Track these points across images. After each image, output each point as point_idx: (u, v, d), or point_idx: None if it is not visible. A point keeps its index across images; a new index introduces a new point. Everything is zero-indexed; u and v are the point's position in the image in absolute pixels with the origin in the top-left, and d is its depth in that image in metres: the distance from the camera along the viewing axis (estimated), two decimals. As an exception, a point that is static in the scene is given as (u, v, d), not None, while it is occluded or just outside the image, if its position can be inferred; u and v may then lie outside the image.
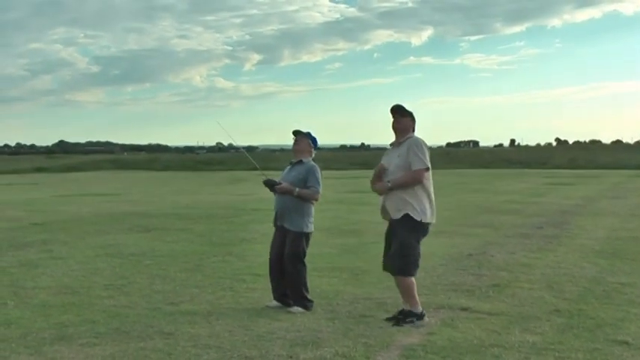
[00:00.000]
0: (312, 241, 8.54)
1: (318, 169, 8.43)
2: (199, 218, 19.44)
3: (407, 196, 7.44)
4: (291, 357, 6.26)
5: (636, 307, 8.30)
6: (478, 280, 9.85)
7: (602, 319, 7.69)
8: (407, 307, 7.57)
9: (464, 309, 8.03)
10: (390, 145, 7.86)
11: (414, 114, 7.72)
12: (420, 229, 7.49)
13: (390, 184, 7.49)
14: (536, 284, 9.66)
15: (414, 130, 7.71)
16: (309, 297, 8.27)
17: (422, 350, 6.47)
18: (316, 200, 8.43)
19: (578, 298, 8.85)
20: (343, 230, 16.14)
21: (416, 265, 7.55)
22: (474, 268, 10.76)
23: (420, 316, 7.47)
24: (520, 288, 9.42)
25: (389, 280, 9.91)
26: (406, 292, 7.58)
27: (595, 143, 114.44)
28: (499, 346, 6.61)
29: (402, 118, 7.71)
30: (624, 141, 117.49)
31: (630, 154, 77.90)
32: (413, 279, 7.56)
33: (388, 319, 7.54)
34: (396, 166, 7.53)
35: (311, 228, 8.42)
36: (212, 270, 10.84)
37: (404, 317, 7.47)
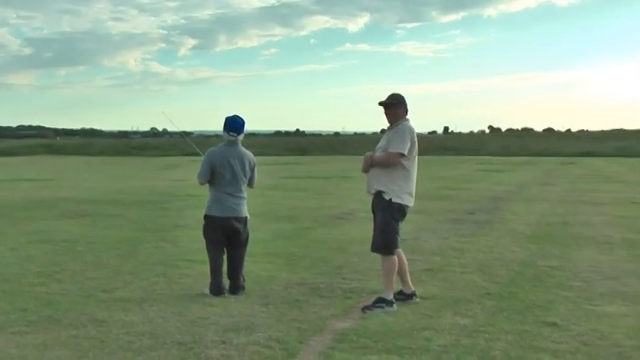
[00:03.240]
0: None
1: (206, 154, 8.49)
2: (133, 204, 19.27)
3: (383, 175, 7.71)
4: (224, 342, 6.26)
5: (565, 290, 8.48)
6: (411, 265, 9.88)
7: (532, 302, 7.85)
8: (407, 290, 7.97)
9: (396, 293, 8.10)
10: (386, 129, 8.09)
11: (401, 99, 7.88)
12: (392, 208, 7.67)
13: (370, 156, 7.81)
14: (467, 268, 9.80)
15: (405, 114, 7.87)
16: (209, 280, 8.36)
17: (354, 335, 6.53)
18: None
19: (509, 281, 9.01)
20: (278, 216, 16.14)
21: (395, 245, 7.74)
22: (407, 253, 10.74)
23: (390, 303, 7.55)
24: (452, 272, 9.55)
25: (324, 265, 10.01)
26: (386, 273, 7.74)
27: (527, 131, 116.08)
28: (431, 329, 6.70)
29: (388, 110, 7.89)
30: (556, 129, 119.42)
31: (561, 142, 79.34)
32: (395, 261, 7.74)
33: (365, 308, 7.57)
34: (381, 148, 7.82)
35: (206, 211, 8.49)
36: (145, 256, 10.76)
37: (374, 302, 7.57)
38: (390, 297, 7.60)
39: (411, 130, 7.77)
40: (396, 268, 7.76)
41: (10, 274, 9.41)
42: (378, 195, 7.73)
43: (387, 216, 7.71)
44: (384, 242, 7.75)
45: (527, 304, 7.77)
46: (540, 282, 8.97)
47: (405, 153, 7.63)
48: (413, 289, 7.98)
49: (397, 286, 7.91)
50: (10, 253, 11.09)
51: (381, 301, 7.55)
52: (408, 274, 8.03)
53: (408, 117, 7.90)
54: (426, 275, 9.35)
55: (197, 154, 9.40)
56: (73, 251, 11.26)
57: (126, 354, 5.98)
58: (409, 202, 7.77)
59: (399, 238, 7.80)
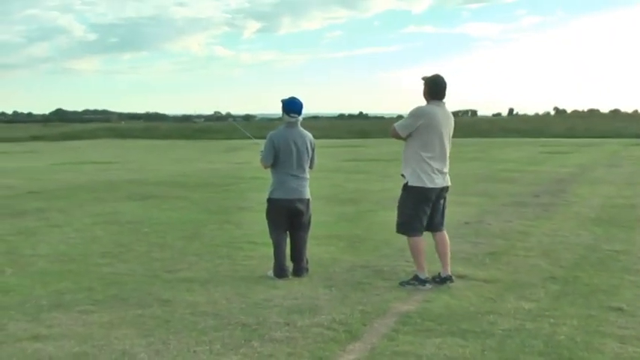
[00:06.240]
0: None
1: (268, 137, 8.45)
2: (197, 186, 19.46)
3: (403, 159, 8.00)
4: (288, 324, 6.31)
5: (631, 274, 8.35)
6: (474, 248, 9.90)
7: (597, 286, 7.75)
8: (443, 273, 7.97)
9: (460, 276, 8.07)
10: None
11: (426, 81, 7.89)
12: (410, 191, 7.86)
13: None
14: (532, 252, 9.71)
15: (429, 98, 7.89)
16: (273, 262, 8.38)
17: (418, 317, 6.52)
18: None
19: (574, 265, 8.91)
20: (340, 199, 16.15)
21: (409, 227, 7.89)
22: (470, 237, 10.80)
23: (422, 282, 7.71)
24: (516, 256, 9.47)
25: (386, 248, 10.00)
26: (411, 253, 7.99)
27: (593, 112, 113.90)
28: (495, 313, 6.66)
29: None
30: (622, 110, 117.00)
31: (627, 123, 77.77)
32: (417, 242, 7.88)
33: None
34: None
35: (269, 194, 8.47)
36: (209, 238, 10.88)
37: (411, 278, 7.84)
38: (423, 276, 7.76)
39: (422, 112, 7.77)
40: (420, 249, 7.85)
41: (77, 255, 9.61)
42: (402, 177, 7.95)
43: (405, 197, 7.94)
44: (397, 222, 8.02)
45: (592, 288, 7.67)
46: (605, 266, 8.84)
47: (397, 128, 7.88)
48: (450, 273, 7.94)
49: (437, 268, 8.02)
50: (76, 234, 11.30)
51: (414, 279, 7.79)
52: (447, 258, 8.02)
53: (438, 100, 7.87)
54: (489, 259, 9.29)
55: (249, 138, 9.53)
56: (138, 232, 11.44)
57: (191, 333, 6.06)
58: (431, 184, 7.77)
59: (418, 222, 7.84)
